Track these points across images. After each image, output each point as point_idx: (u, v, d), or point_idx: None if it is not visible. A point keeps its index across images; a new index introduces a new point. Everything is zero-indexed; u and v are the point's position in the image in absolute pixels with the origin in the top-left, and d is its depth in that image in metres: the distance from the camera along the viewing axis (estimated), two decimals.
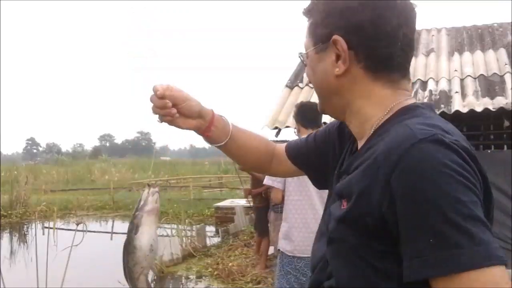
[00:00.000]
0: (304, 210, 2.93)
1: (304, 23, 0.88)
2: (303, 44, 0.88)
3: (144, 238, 0.93)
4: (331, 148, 1.02)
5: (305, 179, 3.11)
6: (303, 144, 1.12)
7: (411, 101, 0.81)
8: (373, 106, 0.80)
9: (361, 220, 0.72)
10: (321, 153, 1.04)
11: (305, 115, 2.97)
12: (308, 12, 0.85)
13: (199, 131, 1.02)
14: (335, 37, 0.78)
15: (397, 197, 0.66)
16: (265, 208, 5.54)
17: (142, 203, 0.96)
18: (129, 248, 0.92)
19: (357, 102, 0.81)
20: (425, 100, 5.62)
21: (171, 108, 0.92)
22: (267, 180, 3.07)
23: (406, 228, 0.65)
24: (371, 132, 0.81)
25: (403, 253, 0.67)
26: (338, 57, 0.79)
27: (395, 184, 0.67)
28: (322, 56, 0.82)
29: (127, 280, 0.93)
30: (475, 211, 0.63)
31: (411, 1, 0.81)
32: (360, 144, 0.85)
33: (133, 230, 0.93)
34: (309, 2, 0.86)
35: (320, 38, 0.81)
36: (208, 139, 1.04)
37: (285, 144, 1.17)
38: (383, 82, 0.80)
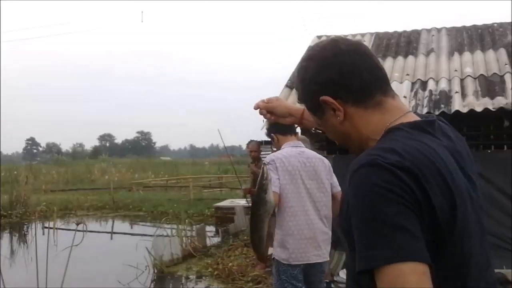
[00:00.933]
0: (297, 216, 2.93)
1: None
2: (315, 122, 1.16)
3: (270, 195, 1.51)
4: None
5: (297, 184, 3.07)
6: None
7: (401, 119, 0.96)
8: (373, 133, 0.98)
9: (344, 227, 0.91)
10: None
11: (279, 124, 3.00)
12: (299, 99, 1.12)
13: (295, 124, 1.50)
14: (321, 99, 1.00)
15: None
16: None
17: (265, 175, 1.50)
18: (261, 203, 1.51)
19: (363, 134, 1.00)
20: (425, 100, 5.62)
21: (266, 114, 1.45)
22: None
23: (355, 233, 0.85)
24: None
25: None
26: (334, 110, 1.00)
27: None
28: (325, 118, 1.05)
29: (252, 228, 1.59)
30: (396, 219, 0.80)
31: (350, 39, 1.04)
32: None
33: (262, 192, 1.51)
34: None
35: (315, 108, 1.06)
36: (306, 128, 1.41)
37: None
38: (372, 106, 0.99)
